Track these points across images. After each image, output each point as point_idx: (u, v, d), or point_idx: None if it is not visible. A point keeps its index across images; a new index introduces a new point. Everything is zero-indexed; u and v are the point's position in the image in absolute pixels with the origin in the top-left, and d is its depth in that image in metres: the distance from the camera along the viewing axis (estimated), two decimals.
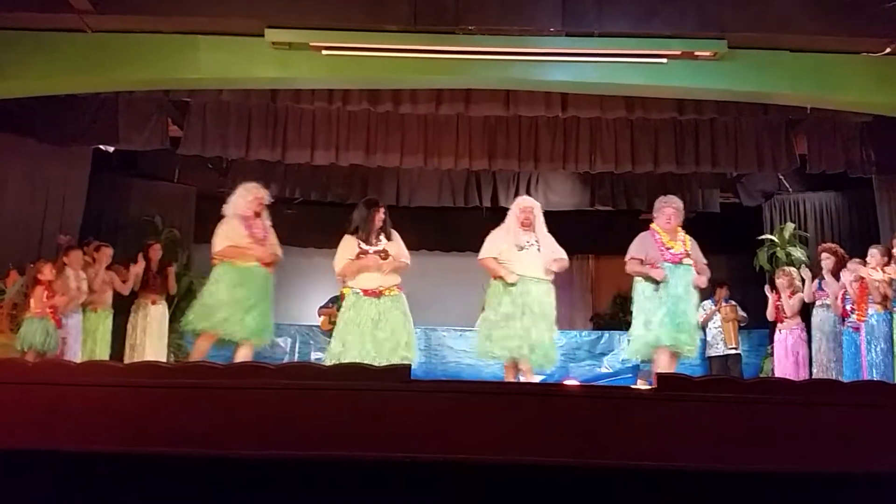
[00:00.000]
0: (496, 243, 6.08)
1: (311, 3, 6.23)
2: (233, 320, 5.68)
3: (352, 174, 9.07)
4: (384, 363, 5.49)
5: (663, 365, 5.77)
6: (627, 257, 6.01)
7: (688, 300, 5.82)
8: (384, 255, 5.81)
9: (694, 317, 5.93)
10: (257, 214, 5.96)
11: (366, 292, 5.77)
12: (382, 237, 5.89)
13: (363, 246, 5.83)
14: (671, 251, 5.87)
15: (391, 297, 5.80)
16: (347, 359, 5.47)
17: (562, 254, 6.03)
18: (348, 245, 5.87)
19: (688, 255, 5.89)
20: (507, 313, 5.83)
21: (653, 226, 6.06)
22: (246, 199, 5.97)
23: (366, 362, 5.13)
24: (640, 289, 5.91)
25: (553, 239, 6.10)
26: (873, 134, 7.73)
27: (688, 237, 6.02)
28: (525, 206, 6.12)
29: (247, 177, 9.05)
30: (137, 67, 6.40)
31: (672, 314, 5.71)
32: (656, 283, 5.78)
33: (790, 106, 7.21)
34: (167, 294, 8.13)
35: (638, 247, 5.98)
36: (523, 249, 5.94)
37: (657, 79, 6.41)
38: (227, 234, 5.87)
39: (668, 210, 5.99)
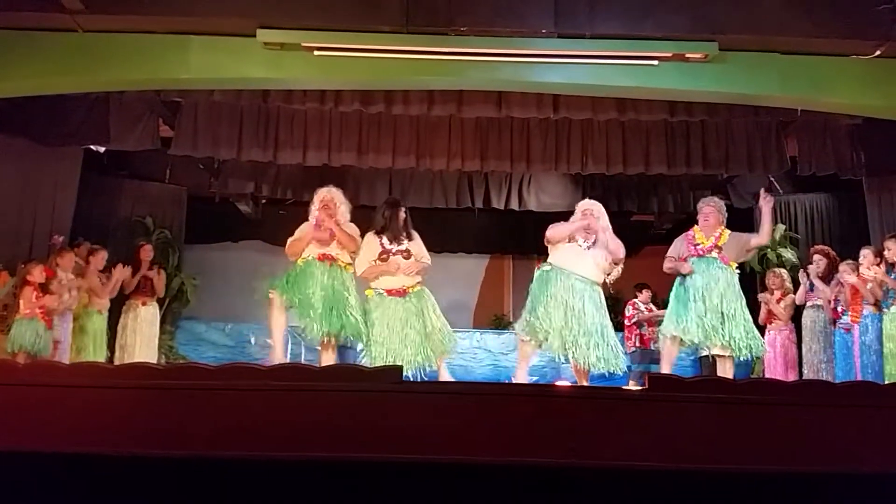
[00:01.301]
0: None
1: (303, 3, 6.22)
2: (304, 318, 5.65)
3: (344, 175, 9.06)
4: (423, 361, 5.58)
5: (665, 354, 5.87)
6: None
7: (711, 294, 5.73)
8: (406, 254, 5.83)
9: (726, 311, 5.71)
10: (329, 216, 5.86)
11: (389, 292, 5.78)
12: (404, 237, 5.91)
13: (386, 245, 5.84)
14: (698, 246, 5.92)
15: (415, 294, 5.82)
16: (382, 359, 5.49)
17: (617, 253, 5.93)
18: (370, 245, 5.88)
19: (716, 249, 5.86)
20: (547, 303, 5.75)
21: (695, 227, 6.10)
22: (313, 204, 5.96)
23: (402, 363, 5.16)
24: (674, 287, 6.01)
25: (617, 242, 5.98)
26: (863, 136, 7.76)
27: (726, 233, 5.98)
28: (586, 209, 6.06)
29: (238, 177, 9.18)
30: (128, 67, 6.38)
31: (692, 308, 5.72)
32: (683, 277, 5.87)
33: (781, 108, 7.23)
34: (157, 295, 8.12)
35: (672, 248, 6.11)
36: (573, 241, 5.90)
37: (648, 81, 6.43)
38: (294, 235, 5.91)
39: (706, 209, 6.06)
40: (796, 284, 7.66)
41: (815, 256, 7.40)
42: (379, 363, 5.45)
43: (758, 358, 8.42)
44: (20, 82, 6.40)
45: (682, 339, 5.81)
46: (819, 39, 6.26)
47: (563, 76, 6.45)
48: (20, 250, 7.33)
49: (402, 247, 5.86)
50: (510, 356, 9.56)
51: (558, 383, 6.14)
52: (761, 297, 7.77)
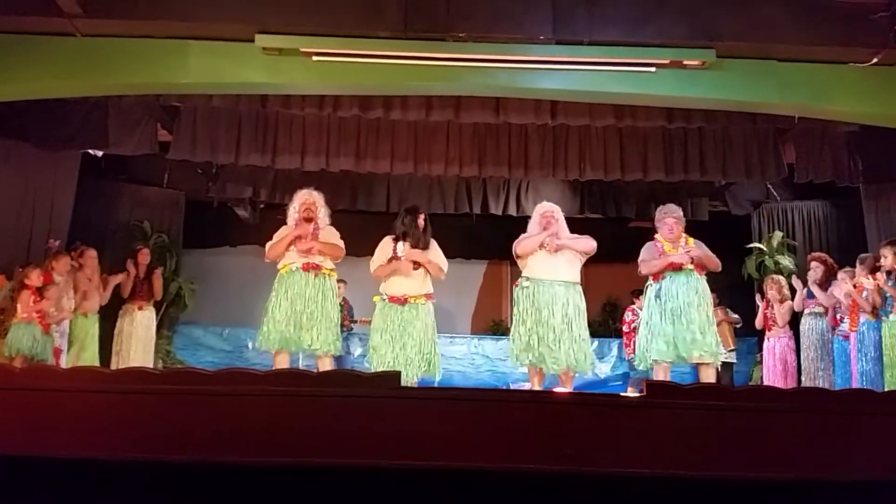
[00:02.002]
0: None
1: (302, 8, 6.22)
2: (277, 329, 5.71)
3: (342, 180, 9.06)
4: (409, 373, 5.60)
5: (660, 378, 5.81)
6: (639, 265, 6.07)
7: (691, 307, 5.74)
8: (416, 266, 5.92)
9: (700, 323, 5.74)
10: (308, 220, 5.93)
11: (391, 299, 5.86)
12: (421, 245, 5.98)
13: (398, 251, 5.93)
14: (669, 256, 5.90)
15: (416, 306, 5.86)
16: (380, 366, 5.58)
17: (590, 246, 6.02)
18: (384, 248, 6.02)
19: (691, 261, 5.87)
20: (534, 318, 5.81)
21: (657, 236, 6.08)
22: (293, 206, 6.07)
23: (396, 369, 5.18)
24: (647, 300, 5.98)
25: (584, 239, 6.10)
26: (860, 143, 7.78)
27: (691, 240, 6.01)
28: (545, 212, 6.14)
29: (236, 182, 9.18)
30: (127, 72, 6.37)
31: (673, 325, 5.70)
32: (658, 291, 5.83)
33: (778, 115, 7.25)
34: (154, 299, 8.11)
35: (644, 253, 6.07)
36: (543, 248, 5.94)
37: (646, 87, 6.44)
38: (273, 239, 6.00)
39: (670, 220, 6.03)
40: (794, 291, 7.67)
41: (813, 263, 7.42)
42: (376, 369, 5.48)
43: (756, 364, 8.46)
44: (18, 86, 6.40)
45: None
46: (816, 47, 6.28)
47: (561, 82, 6.46)
48: (17, 254, 7.32)
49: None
50: (508, 362, 9.55)
51: (556, 389, 6.13)
52: (760, 302, 7.79)
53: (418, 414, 3.41)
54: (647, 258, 6.00)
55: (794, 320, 7.66)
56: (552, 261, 5.91)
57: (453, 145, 8.07)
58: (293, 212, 6.02)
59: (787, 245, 9.05)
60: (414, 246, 5.96)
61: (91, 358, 7.18)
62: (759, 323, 7.82)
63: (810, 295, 7.40)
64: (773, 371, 7.55)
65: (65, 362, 6.88)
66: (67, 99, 7.12)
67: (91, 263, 7.36)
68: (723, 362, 8.32)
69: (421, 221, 6.08)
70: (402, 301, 5.84)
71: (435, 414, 3.41)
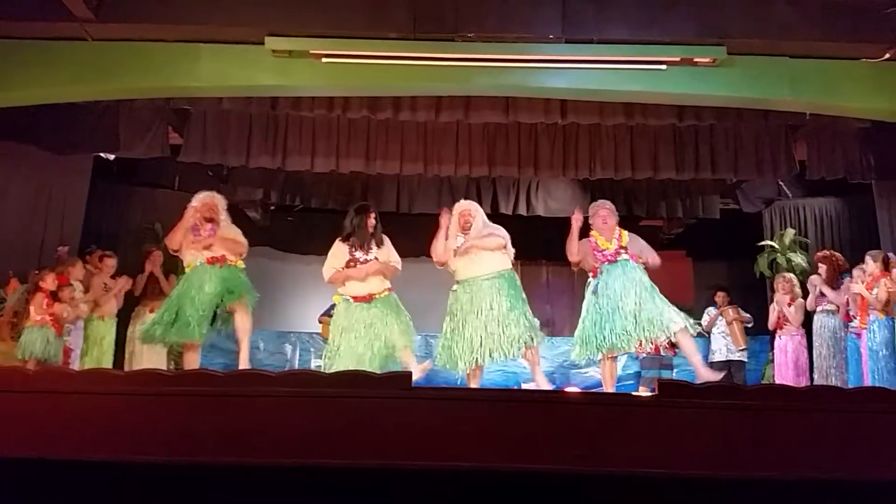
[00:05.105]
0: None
1: (312, 11, 6.25)
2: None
3: (352, 181, 9.08)
4: (381, 369, 5.48)
5: (605, 370, 5.75)
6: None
7: (630, 296, 5.62)
8: (374, 264, 5.79)
9: (641, 310, 5.59)
10: (209, 220, 5.89)
11: (356, 299, 5.76)
12: (374, 243, 5.85)
13: (355, 254, 5.79)
14: (605, 252, 5.81)
15: (381, 300, 5.76)
16: (342, 365, 5.46)
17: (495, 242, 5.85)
18: (338, 252, 5.85)
19: (623, 250, 5.78)
20: (455, 327, 5.72)
21: (592, 232, 5.95)
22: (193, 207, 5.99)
23: (362, 368, 5.14)
24: (586, 297, 5.86)
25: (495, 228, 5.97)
26: (873, 139, 7.73)
27: (625, 233, 5.91)
28: (461, 211, 6.02)
29: (247, 184, 9.21)
30: (138, 76, 6.42)
31: (611, 316, 5.60)
32: (595, 287, 5.73)
33: (789, 112, 7.21)
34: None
35: (578, 249, 5.93)
36: (456, 254, 5.85)
37: (656, 85, 6.43)
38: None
39: (603, 212, 5.95)
40: (805, 289, 7.63)
41: (819, 263, 7.40)
42: (343, 368, 5.42)
43: (769, 362, 8.41)
44: (31, 91, 6.45)
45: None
46: (828, 43, 6.25)
47: (571, 81, 6.45)
48: (30, 258, 7.37)
49: (370, 256, 5.80)
50: (518, 361, 9.55)
51: (567, 389, 6.13)
52: (776, 301, 7.75)
53: (429, 414, 3.41)
54: (581, 250, 5.88)
55: (807, 318, 7.62)
56: (472, 257, 5.79)
57: (463, 145, 8.07)
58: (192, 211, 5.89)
59: (800, 242, 9.00)
60: (361, 246, 5.80)
61: (108, 361, 7.23)
62: (772, 322, 7.78)
63: (823, 293, 7.36)
64: (785, 369, 7.51)
65: (78, 363, 6.92)
66: (78, 103, 7.16)
67: (110, 271, 7.42)
68: (735, 361, 8.33)
69: (371, 220, 5.89)
70: (368, 299, 5.74)
71: (446, 414, 3.42)
